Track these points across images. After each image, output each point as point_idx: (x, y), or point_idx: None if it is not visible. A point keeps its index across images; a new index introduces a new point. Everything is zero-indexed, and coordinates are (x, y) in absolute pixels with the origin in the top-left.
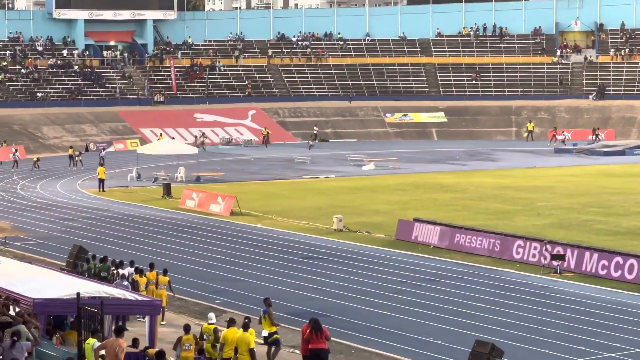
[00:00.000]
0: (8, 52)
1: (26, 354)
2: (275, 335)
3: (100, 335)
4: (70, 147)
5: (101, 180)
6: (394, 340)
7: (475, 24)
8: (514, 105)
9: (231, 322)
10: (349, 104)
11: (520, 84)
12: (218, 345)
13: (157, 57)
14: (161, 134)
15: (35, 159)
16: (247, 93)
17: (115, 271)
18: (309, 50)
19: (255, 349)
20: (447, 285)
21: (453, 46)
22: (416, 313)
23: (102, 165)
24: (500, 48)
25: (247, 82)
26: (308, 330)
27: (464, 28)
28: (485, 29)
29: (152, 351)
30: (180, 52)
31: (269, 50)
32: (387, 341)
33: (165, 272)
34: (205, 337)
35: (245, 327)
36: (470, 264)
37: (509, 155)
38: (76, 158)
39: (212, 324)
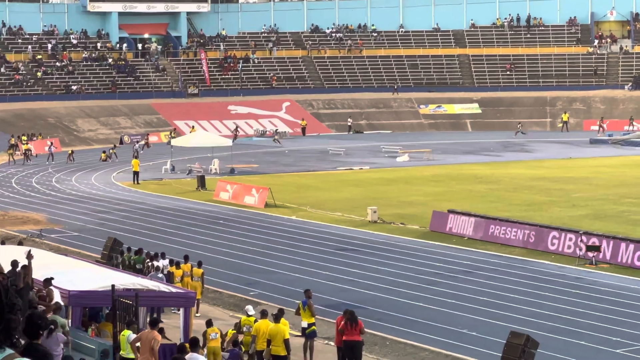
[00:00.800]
0: (43, 45)
1: (62, 345)
2: (313, 327)
3: (136, 327)
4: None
5: (136, 173)
6: (428, 332)
7: (510, 14)
8: (549, 96)
9: (263, 314)
10: (395, 95)
11: (555, 75)
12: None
13: (190, 50)
14: (193, 127)
15: (69, 152)
16: (271, 85)
17: (150, 263)
18: (349, 42)
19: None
20: (482, 277)
21: (487, 37)
22: (451, 304)
23: (136, 157)
24: (535, 39)
25: (271, 74)
26: (343, 322)
27: (497, 19)
28: (519, 19)
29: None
30: (214, 45)
31: (304, 42)
32: (422, 332)
33: (199, 264)
34: (244, 329)
35: (277, 319)
36: (505, 255)
37: (543, 146)
38: (110, 151)
39: (251, 315)
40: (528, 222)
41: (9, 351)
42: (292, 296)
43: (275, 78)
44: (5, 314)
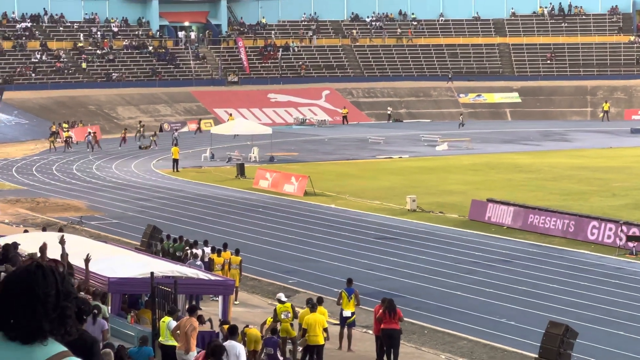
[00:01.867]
0: (84, 33)
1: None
2: (354, 316)
3: (177, 315)
4: (125, 129)
5: (175, 161)
6: (466, 321)
7: (551, 3)
8: (590, 85)
9: (310, 304)
10: (450, 84)
11: (596, 64)
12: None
13: (231, 38)
14: (231, 115)
15: (152, 136)
16: (301, 74)
17: (189, 251)
18: (398, 30)
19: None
20: (521, 266)
21: (527, 26)
22: (489, 293)
23: (176, 145)
24: (576, 27)
25: (300, 63)
26: (381, 310)
27: (539, 8)
28: (560, 8)
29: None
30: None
31: (344, 31)
32: (460, 321)
33: (237, 252)
34: (284, 316)
35: (314, 308)
36: (544, 244)
37: (584, 135)
38: (151, 138)
39: (286, 302)
40: (567, 212)
41: (60, 347)
42: (331, 284)
43: (304, 67)
44: (61, 301)
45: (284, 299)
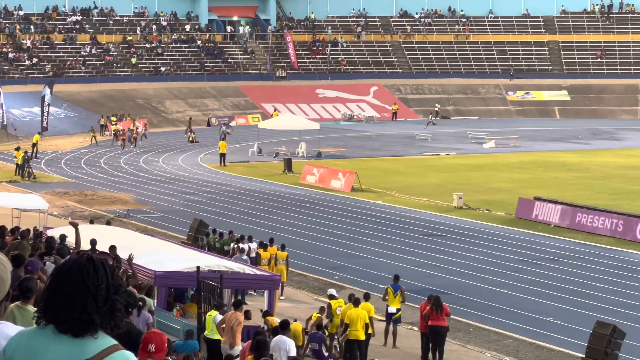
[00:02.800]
0: (133, 27)
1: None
2: (400, 313)
3: (224, 310)
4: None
5: (222, 155)
6: (512, 319)
7: (602, 0)
8: None
9: (353, 299)
10: (512, 82)
11: None
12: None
13: (279, 33)
14: (275, 110)
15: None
16: (339, 70)
17: (235, 246)
18: (456, 27)
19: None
20: (568, 265)
21: (578, 23)
22: (536, 292)
23: (223, 139)
24: (627, 25)
25: (340, 58)
26: (428, 307)
27: (590, 5)
28: (611, 6)
29: (271, 319)
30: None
31: (392, 27)
32: (506, 320)
33: (283, 248)
34: (338, 311)
35: (357, 303)
36: (591, 244)
37: (634, 134)
38: (190, 135)
39: (339, 297)
40: (616, 211)
41: (110, 340)
42: (377, 281)
43: (344, 63)
44: (111, 294)
45: (336, 294)
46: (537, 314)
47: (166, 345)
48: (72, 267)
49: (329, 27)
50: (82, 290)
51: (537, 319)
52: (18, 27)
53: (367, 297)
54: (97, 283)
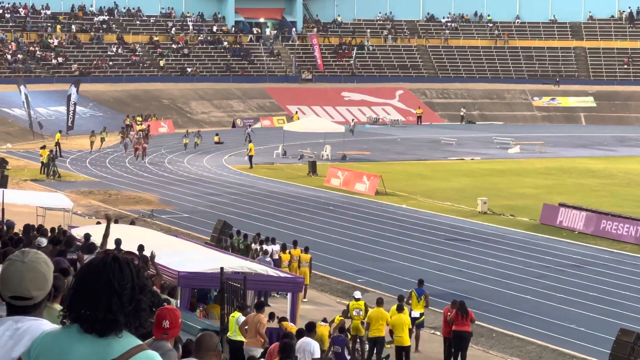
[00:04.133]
0: (160, 27)
1: None
2: (423, 317)
3: (247, 311)
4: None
5: (250, 157)
6: (535, 325)
7: (629, 7)
8: None
9: (379, 302)
10: (557, 87)
11: None
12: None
13: (305, 35)
14: (296, 112)
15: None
16: (351, 73)
17: (258, 247)
18: (496, 32)
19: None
20: (592, 272)
21: (605, 30)
22: (559, 299)
23: (250, 141)
24: None
25: (373, 62)
26: (453, 312)
27: (617, 11)
28: (638, 12)
29: (286, 324)
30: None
31: (419, 31)
32: (529, 326)
33: (306, 250)
34: (355, 313)
35: (400, 309)
36: (616, 251)
37: None
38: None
39: (360, 299)
40: None
41: (136, 340)
42: (400, 284)
43: (357, 65)
44: (136, 294)
45: (358, 296)
46: (560, 321)
47: (180, 321)
48: (97, 266)
49: (353, 30)
50: (107, 289)
51: (560, 326)
52: (46, 26)
53: (400, 299)
54: (122, 282)
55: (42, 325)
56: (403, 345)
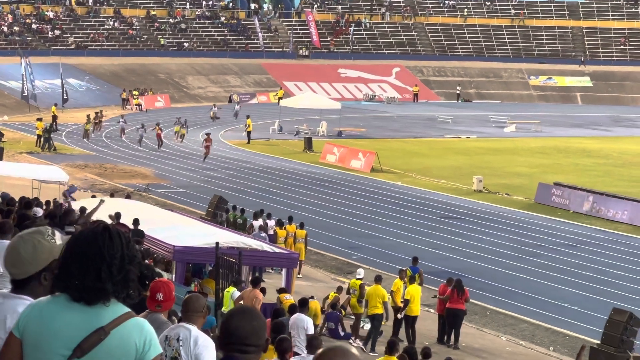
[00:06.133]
0: (158, 1)
1: None
2: None
3: (242, 286)
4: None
5: (249, 133)
6: (529, 304)
7: None
8: None
9: (377, 280)
10: (582, 68)
11: None
12: (363, 301)
13: (303, 11)
14: (280, 89)
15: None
16: (348, 51)
17: (262, 223)
18: (512, 10)
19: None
20: (586, 251)
21: (602, 10)
22: (553, 277)
23: (247, 117)
24: None
25: (370, 40)
26: (449, 290)
27: None
28: None
29: (282, 296)
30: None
31: (416, 8)
32: (522, 304)
33: (302, 226)
34: (351, 291)
35: (413, 280)
36: (610, 230)
37: None
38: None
39: (360, 279)
40: (635, 199)
41: (124, 308)
42: (394, 262)
43: (334, 42)
44: (126, 264)
45: (360, 275)
46: (553, 300)
47: (174, 294)
48: (87, 235)
49: (350, 6)
50: (97, 258)
51: (554, 305)
52: None
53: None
54: (112, 252)
55: (18, 306)
56: (414, 315)
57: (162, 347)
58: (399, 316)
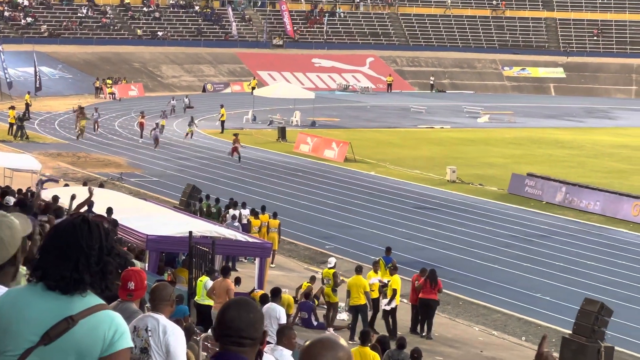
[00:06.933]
0: None
1: None
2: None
3: (215, 276)
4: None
5: (222, 122)
6: (502, 294)
7: None
8: (636, 64)
9: (358, 270)
10: (567, 60)
11: None
12: (337, 290)
13: (277, 1)
14: (254, 78)
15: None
16: (322, 41)
17: (227, 212)
18: (494, 2)
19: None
20: (558, 242)
21: (576, 1)
22: (525, 268)
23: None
24: (624, 4)
25: (344, 30)
26: (422, 280)
27: None
28: None
29: (256, 295)
30: None
31: None
32: (495, 294)
33: (275, 216)
34: (325, 281)
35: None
36: (582, 221)
37: (627, 114)
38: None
39: (332, 268)
40: (608, 190)
41: (97, 299)
42: (368, 252)
43: (308, 32)
44: (104, 256)
45: (331, 264)
46: (526, 290)
47: (145, 283)
48: (67, 226)
49: None
50: (76, 249)
51: (526, 295)
52: None
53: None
54: (90, 243)
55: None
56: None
57: (131, 337)
58: (387, 307)
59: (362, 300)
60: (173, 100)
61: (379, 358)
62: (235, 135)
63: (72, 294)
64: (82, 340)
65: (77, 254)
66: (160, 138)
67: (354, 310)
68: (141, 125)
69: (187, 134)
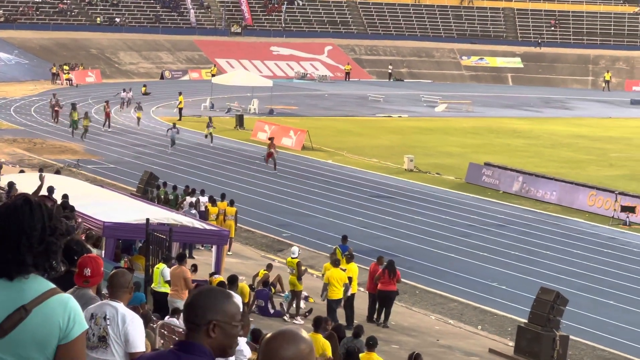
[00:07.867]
0: None
1: None
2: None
3: (171, 263)
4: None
5: (180, 109)
6: (458, 283)
7: None
8: (592, 54)
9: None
10: (538, 50)
11: (600, 33)
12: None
13: None
14: (214, 66)
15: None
16: (281, 29)
17: (184, 199)
18: None
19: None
20: (515, 231)
21: None
22: (482, 257)
23: (180, 94)
24: None
25: (296, 16)
26: (380, 270)
27: None
28: None
29: (215, 280)
30: None
31: None
32: (452, 283)
33: (232, 203)
34: (289, 271)
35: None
36: (539, 211)
37: (584, 104)
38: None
39: (295, 258)
40: (564, 179)
41: (49, 284)
42: (324, 240)
43: (266, 19)
44: (47, 236)
45: (295, 254)
46: (482, 279)
47: (102, 269)
48: (8, 208)
49: None
50: (17, 230)
51: (483, 284)
52: None
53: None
54: (32, 224)
55: None
56: (352, 293)
57: (87, 324)
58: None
59: (340, 295)
60: (124, 93)
61: (329, 346)
62: (271, 139)
63: (19, 280)
64: (38, 330)
65: (19, 234)
66: (176, 140)
67: (329, 302)
68: (107, 115)
69: (207, 137)
